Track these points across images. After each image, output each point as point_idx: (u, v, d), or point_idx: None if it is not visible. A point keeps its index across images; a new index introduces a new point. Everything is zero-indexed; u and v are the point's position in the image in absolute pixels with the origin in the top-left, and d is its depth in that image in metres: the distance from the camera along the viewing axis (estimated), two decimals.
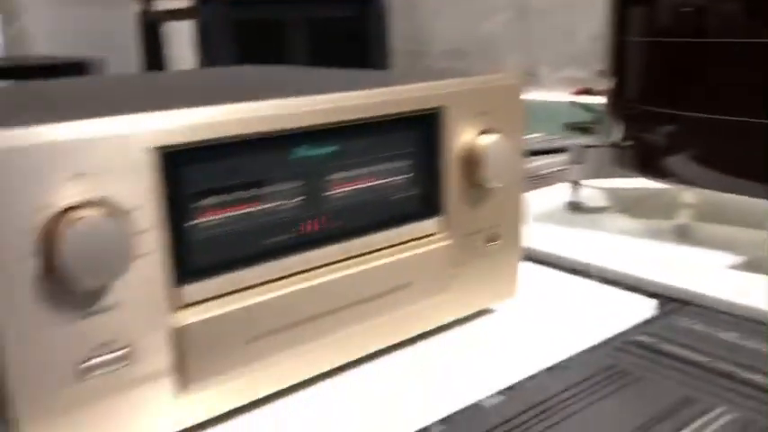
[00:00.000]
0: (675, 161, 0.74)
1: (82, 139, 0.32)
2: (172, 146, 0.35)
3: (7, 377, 0.32)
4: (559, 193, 0.85)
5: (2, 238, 0.31)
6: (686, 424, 0.42)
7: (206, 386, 0.38)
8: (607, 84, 0.81)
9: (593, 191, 0.88)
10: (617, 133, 0.80)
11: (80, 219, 0.31)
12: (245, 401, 0.41)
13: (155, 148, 0.35)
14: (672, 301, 0.59)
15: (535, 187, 0.93)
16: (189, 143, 0.36)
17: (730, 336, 0.53)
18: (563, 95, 1.31)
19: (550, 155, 1.05)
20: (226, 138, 0.37)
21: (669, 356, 0.50)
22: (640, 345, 0.52)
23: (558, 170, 1.00)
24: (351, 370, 0.46)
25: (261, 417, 0.42)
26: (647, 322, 0.56)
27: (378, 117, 0.43)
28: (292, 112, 0.39)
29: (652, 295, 0.60)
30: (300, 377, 0.43)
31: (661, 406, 0.44)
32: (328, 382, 0.45)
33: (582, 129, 0.86)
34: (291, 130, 0.39)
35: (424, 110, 0.45)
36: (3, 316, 0.31)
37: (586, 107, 0.92)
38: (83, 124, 0.33)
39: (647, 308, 0.56)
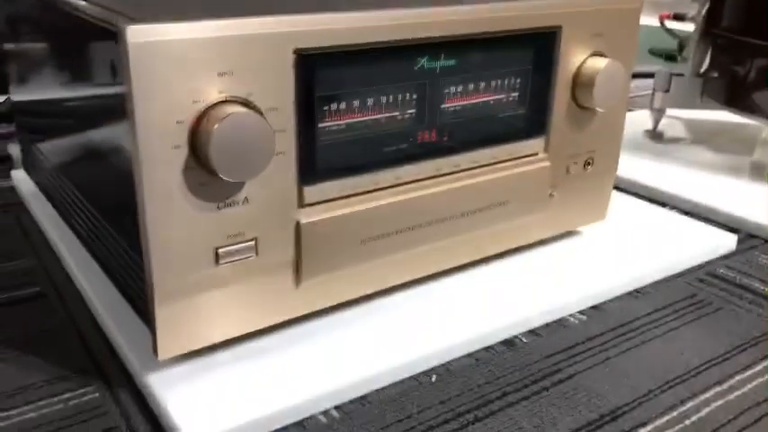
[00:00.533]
0: (764, 95, 0.72)
1: (232, 37, 0.34)
2: (310, 49, 0.36)
3: (149, 252, 0.35)
4: (640, 120, 0.85)
5: (161, 125, 0.33)
6: (766, 356, 0.44)
7: (322, 279, 0.41)
8: (699, 9, 0.78)
9: (675, 120, 0.87)
10: (705, 63, 0.78)
11: (228, 116, 0.33)
12: (356, 296, 0.43)
13: (295, 49, 0.36)
14: (752, 237, 0.60)
15: None
16: (325, 47, 0.37)
17: None
18: (648, 18, 1.26)
19: (634, 79, 1.03)
20: (358, 45, 0.38)
21: (749, 291, 0.51)
22: (721, 277, 0.53)
23: (641, 95, 0.99)
24: (445, 278, 0.49)
25: (367, 311, 0.45)
26: (728, 256, 0.57)
27: (498, 32, 0.43)
28: (416, 21, 0.39)
29: (731, 230, 0.61)
30: (403, 279, 0.45)
31: (741, 337, 0.46)
32: (426, 286, 0.48)
33: (668, 56, 0.84)
34: (417, 40, 0.40)
35: (543, 28, 0.45)
36: (151, 196, 0.34)
37: (674, 33, 0.89)
38: (233, 23, 0.34)
39: (728, 242, 0.57)
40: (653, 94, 0.79)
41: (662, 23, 0.90)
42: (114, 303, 0.44)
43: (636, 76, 1.06)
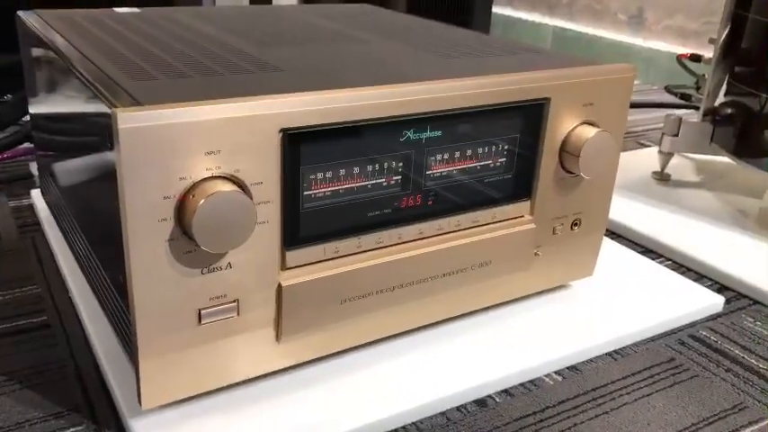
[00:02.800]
0: None
1: (219, 119, 0.36)
2: (296, 128, 0.38)
3: (134, 312, 0.37)
4: (649, 160, 0.85)
5: (148, 201, 0.35)
6: (734, 431, 0.45)
7: (301, 337, 0.43)
8: (714, 54, 0.78)
9: (683, 162, 0.87)
10: (714, 107, 0.78)
11: (212, 194, 0.35)
12: (335, 350, 0.46)
13: (281, 129, 0.38)
14: (742, 297, 0.61)
15: (625, 145, 0.92)
16: (310, 126, 0.38)
17: None
18: (668, 46, 1.25)
19: (646, 108, 1.03)
20: (344, 122, 0.39)
21: (728, 358, 0.52)
22: (703, 341, 0.54)
23: (653, 129, 0.99)
24: (421, 332, 0.50)
25: (340, 366, 0.47)
26: (714, 317, 0.58)
27: (483, 106, 0.44)
28: (402, 99, 0.41)
29: (723, 287, 0.62)
30: (381, 335, 0.47)
31: (710, 409, 0.47)
32: (401, 341, 0.49)
33: (683, 95, 0.84)
34: (400, 116, 0.41)
35: (531, 100, 0.46)
36: (137, 263, 0.36)
37: (691, 71, 0.89)
38: (221, 107, 0.35)
39: (715, 303, 0.58)
40: (662, 137, 0.79)
41: (680, 62, 0.90)
42: (110, 340, 0.47)
43: (647, 105, 1.06)
